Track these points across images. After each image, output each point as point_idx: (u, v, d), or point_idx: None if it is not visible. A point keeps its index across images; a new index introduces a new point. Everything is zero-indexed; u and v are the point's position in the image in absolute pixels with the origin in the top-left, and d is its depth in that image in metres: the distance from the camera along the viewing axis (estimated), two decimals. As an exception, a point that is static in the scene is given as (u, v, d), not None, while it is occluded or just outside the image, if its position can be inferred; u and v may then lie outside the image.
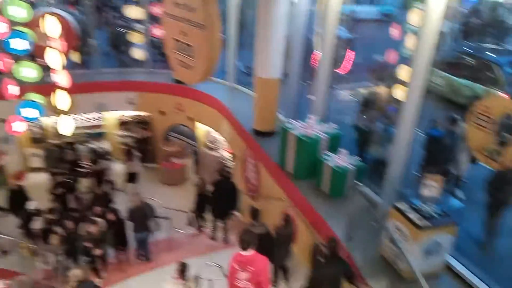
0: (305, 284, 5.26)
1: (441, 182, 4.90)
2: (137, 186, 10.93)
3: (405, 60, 6.37)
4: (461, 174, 6.96)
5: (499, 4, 13.17)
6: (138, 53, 12.11)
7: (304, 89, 8.99)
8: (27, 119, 7.91)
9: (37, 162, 11.86)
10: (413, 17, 6.88)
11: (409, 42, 6.99)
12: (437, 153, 6.72)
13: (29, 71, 7.58)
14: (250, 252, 4.96)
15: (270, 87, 8.46)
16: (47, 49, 8.19)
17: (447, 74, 10.18)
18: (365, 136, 7.66)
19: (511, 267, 5.26)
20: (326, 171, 6.76)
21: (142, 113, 12.31)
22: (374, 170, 7.18)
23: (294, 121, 7.50)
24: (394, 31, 8.41)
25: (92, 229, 7.49)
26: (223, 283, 5.87)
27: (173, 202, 9.93)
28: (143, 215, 7.99)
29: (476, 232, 5.89)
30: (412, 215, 4.89)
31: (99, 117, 12.32)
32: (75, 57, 11.70)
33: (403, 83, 5.90)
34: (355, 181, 6.58)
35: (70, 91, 8.57)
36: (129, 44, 12.07)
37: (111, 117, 12.40)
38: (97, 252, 7.62)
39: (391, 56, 8.27)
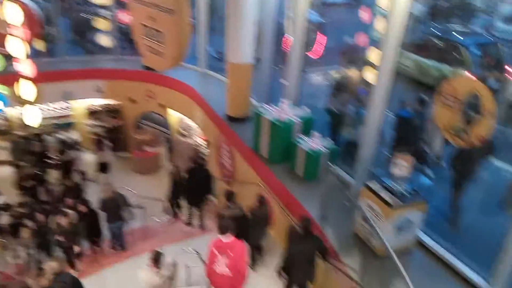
0: (281, 263, 5.36)
1: (411, 161, 5.04)
2: (109, 176, 10.73)
3: (375, 43, 6.44)
4: (436, 154, 7.16)
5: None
6: (104, 40, 11.75)
7: (277, 73, 8.98)
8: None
9: (2, 155, 11.41)
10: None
11: (379, 25, 7.07)
12: (407, 134, 6.88)
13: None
14: (229, 238, 5.05)
15: (242, 72, 8.40)
16: (8, 37, 7.82)
17: (415, 56, 10.38)
18: (337, 119, 7.75)
19: (476, 239, 5.51)
20: (300, 154, 6.83)
21: (112, 102, 12.01)
22: (346, 151, 7.31)
23: (267, 105, 7.50)
24: (364, 14, 8.47)
25: (63, 221, 7.31)
26: (200, 269, 5.89)
27: (147, 191, 9.81)
28: (115, 205, 7.86)
29: (445, 208, 6.12)
30: (384, 194, 5.03)
31: (67, 107, 11.92)
32: (39, 45, 11.24)
33: (373, 65, 5.98)
34: (328, 163, 6.67)
35: (35, 80, 8.27)
36: (94, 31, 11.68)
37: (79, 107, 12.03)
38: (76, 249, 7.48)
39: (361, 39, 8.35)
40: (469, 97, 4.44)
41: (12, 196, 9.10)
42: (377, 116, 5.73)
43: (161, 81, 10.95)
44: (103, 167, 10.83)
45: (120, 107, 12.05)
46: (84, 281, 5.69)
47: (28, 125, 8.81)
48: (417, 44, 10.58)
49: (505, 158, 6.53)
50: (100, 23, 11.54)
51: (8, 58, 7.81)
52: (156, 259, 5.44)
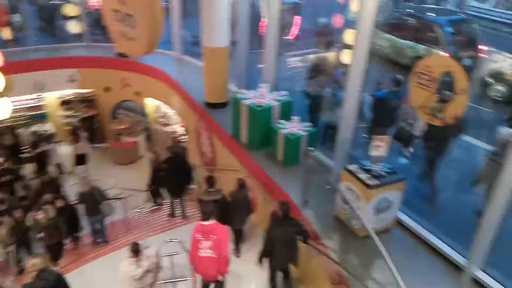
0: (262, 248, 5.42)
1: (388, 141, 5.10)
2: (87, 168, 10.51)
3: (351, 24, 6.41)
4: (418, 134, 7.24)
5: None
6: (74, 27, 11.33)
7: (254, 57, 8.87)
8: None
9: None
10: (356, -21, 6.87)
11: (354, 5, 7.03)
12: (383, 114, 6.94)
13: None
14: (211, 222, 5.11)
15: (219, 56, 8.26)
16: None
17: (390, 36, 10.40)
18: (316, 102, 7.74)
19: (451, 216, 5.66)
20: (279, 139, 6.81)
21: (86, 91, 11.66)
22: (326, 134, 7.33)
23: (246, 90, 7.42)
24: (339, -5, 8.43)
25: (40, 217, 7.14)
26: (183, 258, 5.88)
27: (127, 181, 9.63)
28: (94, 200, 7.72)
29: (422, 187, 6.25)
30: (362, 176, 5.08)
31: (38, 98, 11.53)
32: (6, 33, 10.77)
33: (348, 47, 5.96)
34: (308, 147, 6.68)
35: (3, 70, 7.91)
36: (63, 18, 11.24)
37: (52, 97, 11.65)
38: (63, 244, 7.35)
39: (336, 20, 8.31)
40: (443, 76, 4.47)
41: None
42: (354, 98, 5.73)
43: (136, 68, 10.67)
44: (80, 159, 10.57)
45: (94, 96, 11.73)
46: (67, 276, 5.61)
47: (-2, 118, 8.46)
48: (392, 23, 10.59)
49: (478, 135, 6.67)
50: (69, 9, 11.11)
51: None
52: (136, 250, 5.40)
